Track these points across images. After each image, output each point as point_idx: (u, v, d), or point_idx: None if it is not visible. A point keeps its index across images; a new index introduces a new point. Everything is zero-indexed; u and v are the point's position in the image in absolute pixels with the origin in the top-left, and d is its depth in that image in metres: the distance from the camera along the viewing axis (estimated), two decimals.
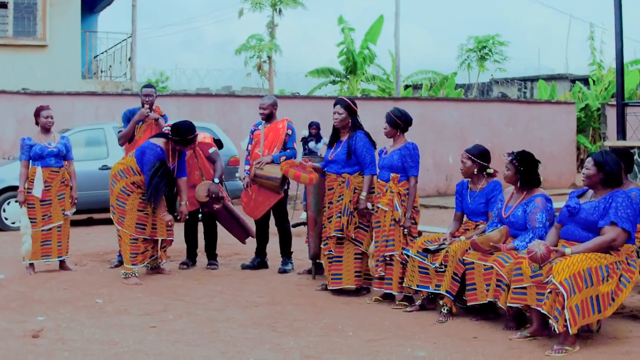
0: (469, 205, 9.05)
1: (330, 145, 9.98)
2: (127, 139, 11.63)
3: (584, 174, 7.62)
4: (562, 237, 7.66)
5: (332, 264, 9.79)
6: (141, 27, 62.17)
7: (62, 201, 11.13)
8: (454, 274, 8.36)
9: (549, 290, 7.13)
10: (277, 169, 10.82)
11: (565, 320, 7.00)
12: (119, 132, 11.75)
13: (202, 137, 11.42)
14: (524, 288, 7.49)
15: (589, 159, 7.64)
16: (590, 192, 7.70)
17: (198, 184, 11.32)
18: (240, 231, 11.75)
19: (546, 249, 7.22)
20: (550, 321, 7.19)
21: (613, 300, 7.32)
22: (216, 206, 11.22)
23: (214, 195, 11.14)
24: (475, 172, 9.00)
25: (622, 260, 7.38)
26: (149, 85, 11.92)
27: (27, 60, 24.79)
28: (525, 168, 8.28)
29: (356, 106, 9.89)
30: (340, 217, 9.59)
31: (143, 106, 11.61)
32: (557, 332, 7.11)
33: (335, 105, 9.84)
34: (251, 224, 11.76)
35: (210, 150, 11.52)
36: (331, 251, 9.77)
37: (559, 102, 29.05)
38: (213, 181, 11.25)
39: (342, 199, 9.65)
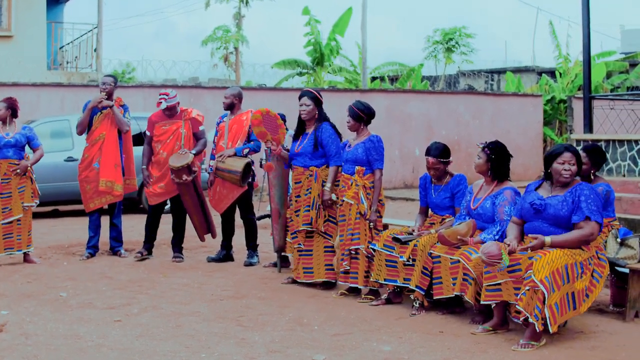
0: (433, 200, 9.03)
1: (295, 138, 9.94)
2: (84, 127, 11.79)
3: (569, 170, 7.43)
4: (528, 233, 7.61)
5: (302, 257, 9.77)
6: (110, 18, 61.80)
7: (22, 194, 11.03)
8: (424, 268, 8.32)
9: (527, 288, 7.10)
10: (239, 162, 10.84)
11: (544, 319, 6.99)
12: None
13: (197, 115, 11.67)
14: (498, 284, 7.46)
15: (579, 151, 7.64)
16: (546, 184, 7.65)
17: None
18: (204, 226, 11.66)
19: (497, 248, 7.22)
20: (529, 318, 7.05)
21: (587, 296, 7.34)
22: (185, 177, 11.15)
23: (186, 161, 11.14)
24: (446, 171, 9.00)
25: (593, 255, 7.39)
26: (109, 75, 12.06)
27: None
28: (497, 158, 8.24)
29: (321, 97, 9.87)
30: (308, 210, 9.56)
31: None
32: (525, 327, 7.12)
33: (301, 97, 9.81)
34: (217, 218, 11.70)
35: (200, 128, 11.66)
36: (300, 245, 9.75)
37: (526, 94, 29.16)
38: (190, 153, 11.30)
39: (310, 193, 9.61)
